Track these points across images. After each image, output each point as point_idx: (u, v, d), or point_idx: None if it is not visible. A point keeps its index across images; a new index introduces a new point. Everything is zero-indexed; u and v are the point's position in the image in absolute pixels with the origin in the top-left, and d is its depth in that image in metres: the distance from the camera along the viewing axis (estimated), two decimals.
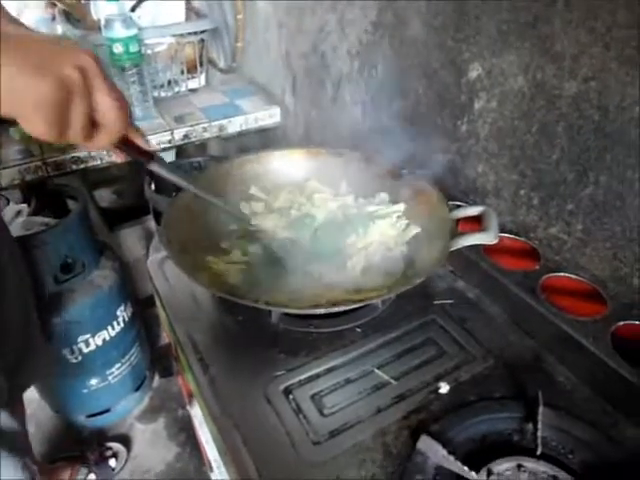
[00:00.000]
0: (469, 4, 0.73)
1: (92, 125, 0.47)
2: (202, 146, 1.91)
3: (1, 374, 0.76)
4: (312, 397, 0.58)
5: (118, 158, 0.67)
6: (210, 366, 0.62)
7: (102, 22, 1.19)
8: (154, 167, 0.58)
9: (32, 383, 1.04)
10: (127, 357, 1.37)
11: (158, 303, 0.76)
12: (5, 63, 0.39)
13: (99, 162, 1.21)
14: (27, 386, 1.01)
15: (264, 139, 1.51)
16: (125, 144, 0.54)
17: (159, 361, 0.73)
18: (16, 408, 0.96)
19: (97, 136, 0.48)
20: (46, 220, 1.19)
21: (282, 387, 0.59)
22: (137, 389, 1.47)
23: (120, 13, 1.19)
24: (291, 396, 0.58)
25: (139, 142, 0.55)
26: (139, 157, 0.56)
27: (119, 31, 1.17)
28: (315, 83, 1.20)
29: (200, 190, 0.67)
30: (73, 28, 1.41)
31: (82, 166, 1.19)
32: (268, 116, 1.37)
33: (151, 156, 0.57)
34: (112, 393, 1.39)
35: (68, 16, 1.54)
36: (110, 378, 1.34)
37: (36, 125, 0.42)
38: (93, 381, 1.32)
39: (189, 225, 0.71)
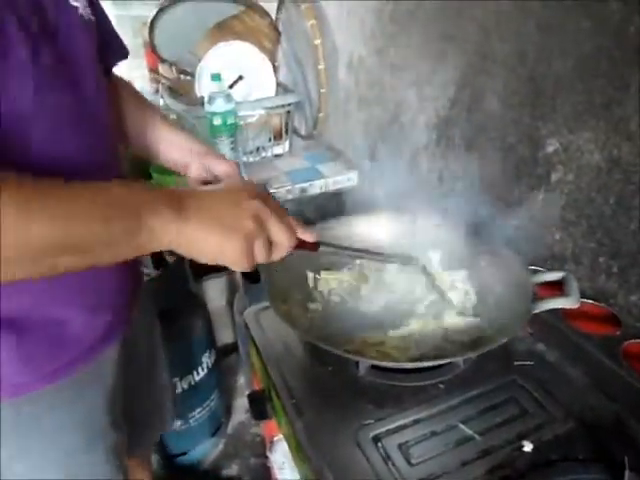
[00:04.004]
0: (544, 85, 0.80)
1: (270, 244, 0.57)
2: None
3: (121, 435, 0.79)
4: (399, 446, 0.62)
5: None
6: (304, 410, 0.68)
7: (206, 98, 1.36)
8: (323, 250, 0.67)
9: (155, 441, 1.07)
10: (208, 402, 1.45)
11: (253, 351, 0.83)
12: (209, 231, 0.51)
13: None
14: (150, 444, 1.05)
15: (339, 199, 1.61)
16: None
17: (253, 405, 0.80)
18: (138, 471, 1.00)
19: (275, 252, 0.58)
20: (146, 271, 1.32)
21: (371, 435, 0.64)
22: (213, 434, 1.55)
23: (221, 90, 1.36)
24: (380, 444, 0.62)
25: (306, 238, 0.64)
26: (308, 249, 0.65)
27: (220, 106, 1.33)
28: (393, 150, 1.29)
29: (368, 254, 0.78)
30: (176, 102, 1.60)
31: None
32: (346, 180, 1.48)
33: (317, 245, 0.66)
34: (191, 436, 1.47)
35: (171, 91, 1.75)
36: (191, 421, 1.43)
37: (235, 266, 0.55)
38: (176, 423, 1.40)
39: (286, 277, 0.80)
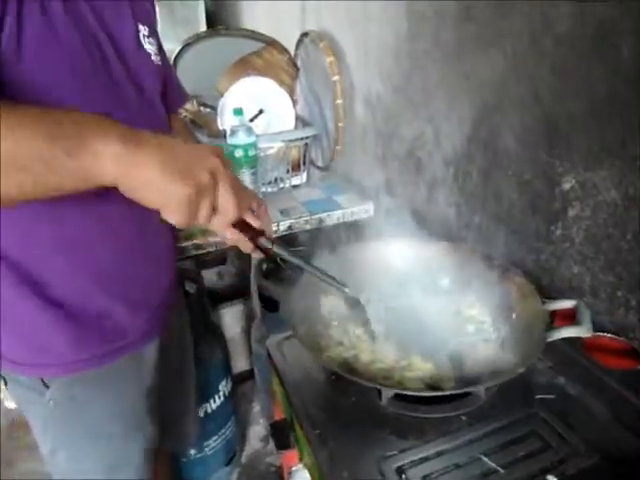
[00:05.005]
0: (560, 125, 0.82)
1: (212, 210, 0.57)
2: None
3: (155, 429, 0.85)
4: (423, 478, 0.63)
5: (228, 241, 0.71)
6: (327, 440, 0.69)
7: (228, 131, 1.40)
8: (262, 242, 0.68)
9: (177, 448, 1.11)
10: (223, 430, 1.45)
11: (276, 380, 0.85)
12: (162, 170, 0.51)
13: (214, 248, 1.38)
14: (172, 450, 1.08)
15: (352, 229, 1.63)
16: (239, 224, 0.64)
17: (276, 434, 0.81)
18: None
19: (215, 219, 0.58)
20: None
21: (395, 466, 0.64)
22: (228, 464, 1.54)
23: (242, 124, 1.41)
24: (404, 476, 0.63)
25: (252, 222, 0.67)
26: (250, 233, 0.67)
27: (241, 139, 1.37)
28: (409, 184, 1.32)
29: (303, 262, 0.78)
30: (198, 134, 1.65)
31: (201, 251, 1.36)
32: (363, 211, 1.51)
33: (262, 232, 0.68)
34: (206, 465, 1.47)
35: (193, 123, 1.81)
36: (207, 450, 1.42)
37: (175, 216, 0.54)
38: (191, 451, 1.40)
39: (307, 309, 0.83)
